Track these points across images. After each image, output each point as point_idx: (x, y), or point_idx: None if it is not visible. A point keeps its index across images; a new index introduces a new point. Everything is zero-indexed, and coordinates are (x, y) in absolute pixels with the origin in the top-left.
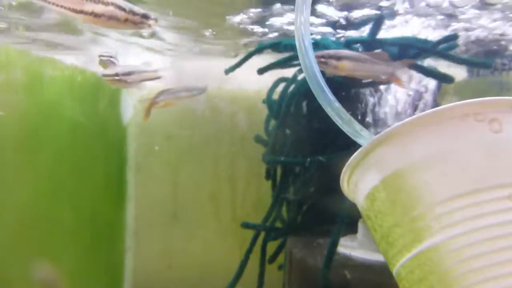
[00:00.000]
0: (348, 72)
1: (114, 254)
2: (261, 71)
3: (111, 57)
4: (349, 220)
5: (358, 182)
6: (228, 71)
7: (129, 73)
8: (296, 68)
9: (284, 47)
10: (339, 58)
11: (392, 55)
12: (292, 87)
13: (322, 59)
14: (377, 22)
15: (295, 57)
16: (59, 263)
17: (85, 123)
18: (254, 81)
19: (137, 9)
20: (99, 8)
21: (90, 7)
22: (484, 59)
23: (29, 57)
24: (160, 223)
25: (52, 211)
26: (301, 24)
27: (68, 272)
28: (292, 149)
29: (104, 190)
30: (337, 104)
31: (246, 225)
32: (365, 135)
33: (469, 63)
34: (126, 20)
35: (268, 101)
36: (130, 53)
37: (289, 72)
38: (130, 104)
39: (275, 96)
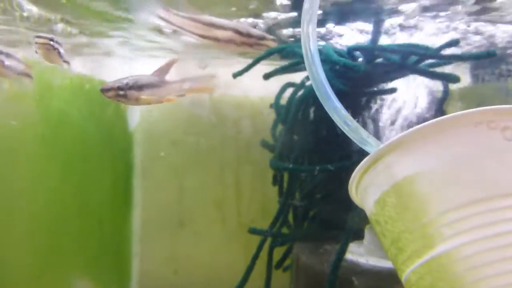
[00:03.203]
0: (151, 102)
1: (121, 260)
2: (267, 76)
3: (51, 40)
4: (356, 226)
5: (368, 187)
6: (236, 75)
7: None
8: (304, 73)
9: (290, 53)
10: (140, 87)
11: (394, 62)
12: (300, 92)
13: (121, 92)
14: (376, 27)
15: (301, 63)
16: (67, 268)
17: (93, 130)
18: (259, 87)
19: (254, 31)
20: (219, 33)
21: (213, 33)
22: (486, 50)
23: (39, 67)
24: (166, 229)
25: (61, 217)
26: (307, 31)
27: (75, 277)
28: (299, 155)
29: (111, 196)
30: (343, 112)
31: (253, 231)
32: (372, 142)
33: (473, 58)
34: (242, 43)
35: (276, 106)
36: (138, 59)
37: (296, 77)
38: (136, 111)
39: (282, 101)
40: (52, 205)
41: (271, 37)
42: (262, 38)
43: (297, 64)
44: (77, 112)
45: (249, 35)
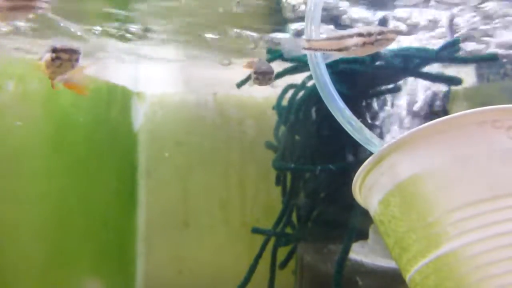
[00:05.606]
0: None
1: (126, 260)
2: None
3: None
4: (359, 226)
5: (372, 187)
6: (240, 85)
7: None
8: (305, 75)
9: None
10: (68, 53)
11: (395, 65)
12: (301, 93)
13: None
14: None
15: (302, 66)
16: (72, 268)
17: (98, 131)
18: (262, 88)
19: (373, 29)
20: (347, 42)
21: (343, 44)
22: (488, 53)
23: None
24: (170, 228)
25: (67, 216)
26: (311, 33)
27: (80, 277)
28: (302, 155)
29: (116, 196)
30: (347, 112)
31: (256, 231)
32: (375, 142)
33: (475, 61)
34: (364, 43)
35: (278, 107)
36: (140, 61)
37: (297, 79)
38: (141, 112)
39: (284, 102)
40: (58, 205)
41: (389, 29)
42: (381, 33)
43: (299, 68)
44: (82, 113)
45: (369, 34)
